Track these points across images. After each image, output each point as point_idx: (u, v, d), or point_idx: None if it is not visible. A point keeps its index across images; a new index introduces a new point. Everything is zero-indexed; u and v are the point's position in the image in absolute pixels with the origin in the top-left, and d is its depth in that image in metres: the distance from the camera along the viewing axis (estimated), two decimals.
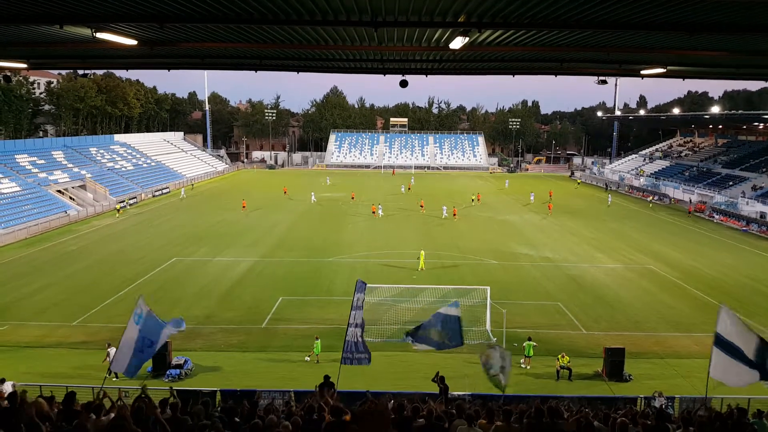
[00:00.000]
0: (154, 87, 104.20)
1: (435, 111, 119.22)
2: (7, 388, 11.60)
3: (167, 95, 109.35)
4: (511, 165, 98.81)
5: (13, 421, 6.22)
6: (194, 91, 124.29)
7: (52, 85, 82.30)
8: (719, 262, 32.55)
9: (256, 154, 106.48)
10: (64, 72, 79.76)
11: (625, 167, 79.87)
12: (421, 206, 48.85)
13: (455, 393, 13.87)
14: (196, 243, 35.29)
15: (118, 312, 21.94)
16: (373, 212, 45.51)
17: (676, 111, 77.54)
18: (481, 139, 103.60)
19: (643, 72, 17.36)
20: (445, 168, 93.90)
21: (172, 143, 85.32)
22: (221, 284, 26.60)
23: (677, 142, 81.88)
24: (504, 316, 19.83)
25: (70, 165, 54.90)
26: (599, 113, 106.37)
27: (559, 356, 17.37)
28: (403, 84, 17.36)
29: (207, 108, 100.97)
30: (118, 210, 46.76)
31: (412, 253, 31.36)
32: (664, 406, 13.55)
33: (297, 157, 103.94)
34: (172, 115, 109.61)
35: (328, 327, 20.30)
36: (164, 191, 60.77)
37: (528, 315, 22.50)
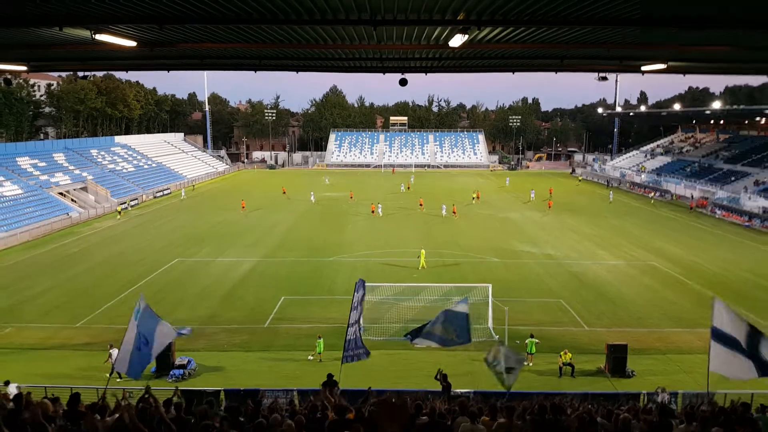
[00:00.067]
0: (154, 88, 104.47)
1: (435, 109, 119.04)
2: (12, 390, 11.63)
3: (167, 96, 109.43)
4: (512, 163, 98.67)
5: (19, 423, 6.25)
6: (194, 92, 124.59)
7: (53, 88, 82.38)
8: (721, 257, 32.49)
9: (257, 155, 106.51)
10: (64, 74, 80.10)
11: (626, 164, 79.71)
12: (421, 205, 48.86)
13: (458, 390, 13.89)
14: (198, 244, 35.35)
15: (121, 313, 21.98)
16: (373, 211, 45.46)
17: (677, 107, 77.43)
18: (481, 137, 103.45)
19: (643, 68, 17.33)
20: (445, 166, 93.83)
21: (172, 144, 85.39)
22: (223, 284, 26.65)
23: (678, 138, 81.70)
24: (506, 313, 19.83)
25: (71, 167, 54.99)
26: (600, 110, 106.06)
27: (562, 353, 17.38)
28: (403, 82, 17.35)
29: (207, 109, 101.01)
30: (120, 212, 46.85)
31: (412, 251, 31.37)
32: (667, 402, 13.55)
33: (297, 156, 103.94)
34: (172, 116, 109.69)
35: (330, 326, 20.32)
36: (165, 192, 60.84)
37: (530, 312, 22.50)
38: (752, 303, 23.63)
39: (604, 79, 19.93)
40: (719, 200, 50.51)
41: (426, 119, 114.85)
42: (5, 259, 32.10)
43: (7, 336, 20.41)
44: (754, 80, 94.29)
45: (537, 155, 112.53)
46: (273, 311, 22.77)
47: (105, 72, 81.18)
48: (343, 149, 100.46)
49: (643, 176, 69.81)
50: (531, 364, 17.77)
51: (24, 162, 50.33)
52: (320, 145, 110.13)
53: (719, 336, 9.21)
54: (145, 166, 68.07)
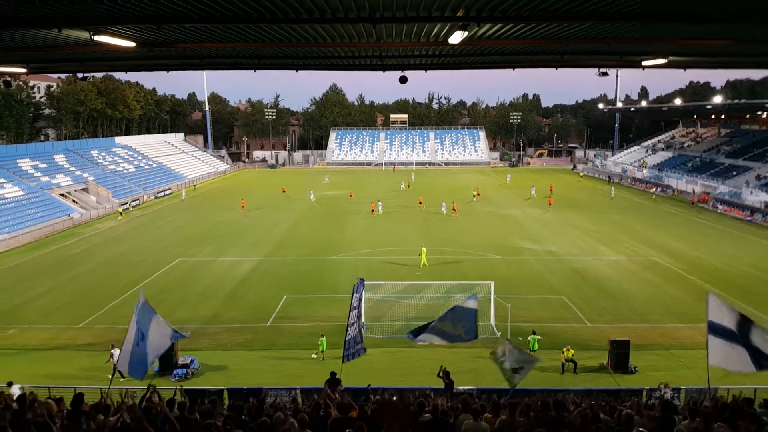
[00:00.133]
0: (154, 89, 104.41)
1: (435, 106, 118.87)
2: (15, 391, 11.68)
3: (167, 96, 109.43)
4: (513, 159, 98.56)
5: (23, 423, 6.27)
6: (194, 92, 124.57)
7: (52, 89, 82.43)
8: (723, 252, 32.43)
9: (257, 154, 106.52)
10: (63, 75, 79.95)
11: (627, 159, 79.53)
12: (420, 203, 48.84)
13: (460, 388, 13.88)
14: (199, 243, 35.39)
15: (123, 313, 22.02)
16: (372, 210, 45.42)
17: (678, 102, 77.09)
18: (482, 134, 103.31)
19: (644, 63, 17.27)
20: (446, 164, 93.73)
21: (173, 144, 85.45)
22: (225, 284, 26.69)
23: (680, 132, 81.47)
24: (508, 310, 19.84)
25: (72, 168, 55.07)
26: (601, 105, 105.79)
27: (564, 349, 17.37)
28: (403, 80, 17.33)
29: (207, 108, 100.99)
30: (121, 212, 46.93)
31: (414, 249, 31.37)
32: (670, 397, 13.54)
33: (298, 155, 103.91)
34: (172, 116, 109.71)
35: (333, 324, 20.33)
36: (166, 192, 60.91)
37: (532, 309, 22.50)
38: (754, 298, 23.58)
39: (605, 74, 19.90)
40: (721, 195, 50.39)
41: (426, 117, 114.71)
42: (7, 261, 32.19)
43: (11, 337, 20.48)
44: (756, 74, 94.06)
45: (538, 152, 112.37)
46: (275, 310, 22.81)
47: (104, 73, 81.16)
48: (343, 148, 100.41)
49: (644, 172, 69.66)
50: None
51: (25, 164, 50.42)
52: (321, 144, 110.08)
53: (716, 329, 9.26)
54: (146, 167, 68.13)
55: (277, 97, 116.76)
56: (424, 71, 20.41)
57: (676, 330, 20.42)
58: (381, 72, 19.23)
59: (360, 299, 13.15)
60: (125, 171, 62.38)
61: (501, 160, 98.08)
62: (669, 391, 14.16)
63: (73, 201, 48.34)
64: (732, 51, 15.87)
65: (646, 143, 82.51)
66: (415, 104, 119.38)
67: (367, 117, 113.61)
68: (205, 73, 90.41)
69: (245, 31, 12.66)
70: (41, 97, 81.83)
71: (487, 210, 47.38)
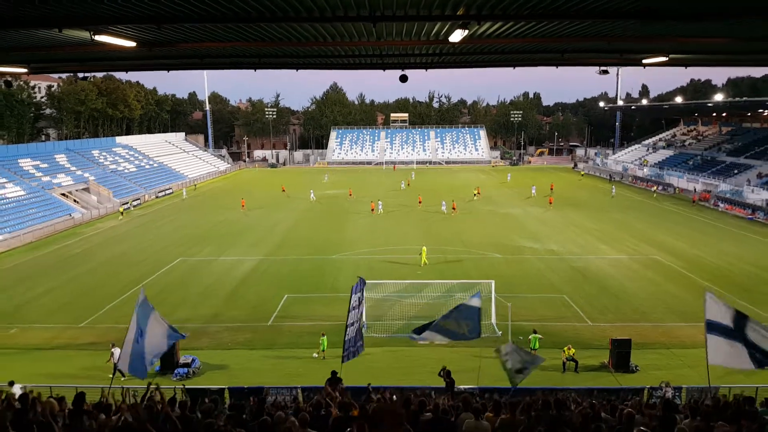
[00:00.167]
0: (154, 88, 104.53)
1: (436, 105, 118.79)
2: (16, 390, 11.70)
3: (167, 96, 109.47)
4: (514, 158, 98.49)
5: (25, 422, 6.29)
6: (194, 92, 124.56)
7: (53, 89, 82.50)
8: (724, 251, 32.39)
9: (258, 153, 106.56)
10: (64, 75, 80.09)
11: (628, 157, 79.44)
12: (419, 202, 48.83)
13: (461, 387, 13.89)
14: (200, 243, 35.43)
15: (124, 313, 22.05)
16: (372, 210, 45.39)
17: (678, 100, 77.05)
18: (482, 133, 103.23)
19: (645, 61, 17.22)
20: (447, 162, 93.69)
21: (173, 144, 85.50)
22: (226, 283, 26.72)
23: (681, 131, 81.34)
24: (509, 309, 19.83)
25: (74, 168, 55.13)
26: (601, 103, 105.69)
27: (565, 348, 17.37)
28: (403, 79, 17.30)
29: (207, 108, 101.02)
30: (122, 212, 46.98)
31: (414, 248, 31.37)
32: (671, 396, 13.54)
33: (298, 155, 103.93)
34: (172, 115, 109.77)
35: (333, 323, 20.33)
36: (167, 192, 60.96)
37: (533, 308, 22.49)
38: (756, 296, 23.56)
39: (605, 72, 19.86)
40: (722, 193, 50.31)
41: (427, 115, 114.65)
42: (9, 261, 32.25)
43: (13, 336, 20.53)
44: (757, 71, 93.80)
45: (539, 150, 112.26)
46: (276, 309, 22.83)
47: (105, 73, 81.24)
48: (344, 147, 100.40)
49: (645, 170, 69.58)
50: None
51: (26, 164, 50.49)
52: (321, 143, 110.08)
53: (714, 327, 9.29)
54: (147, 166, 68.18)
55: (278, 96, 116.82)
56: (424, 70, 20.38)
57: (678, 329, 20.40)
58: (381, 71, 19.20)
59: (360, 300, 13.14)
60: (126, 171, 62.43)
61: (502, 158, 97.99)
62: (670, 390, 14.15)
63: (74, 201, 48.41)
64: (732, 49, 15.82)
65: (647, 141, 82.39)
66: (416, 103, 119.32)
67: (367, 116, 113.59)
68: (205, 72, 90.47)
69: (245, 30, 12.65)
70: (42, 97, 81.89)
71: (488, 209, 47.36)
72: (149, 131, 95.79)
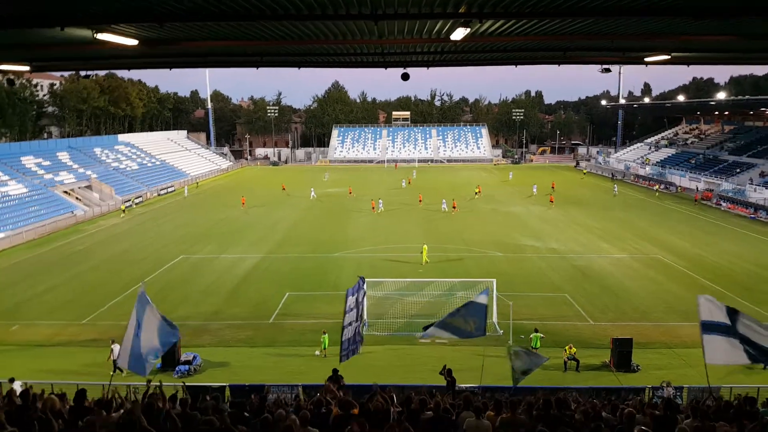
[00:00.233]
0: (156, 86, 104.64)
1: (437, 103, 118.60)
2: (17, 387, 11.74)
3: (169, 94, 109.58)
4: (516, 156, 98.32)
5: (26, 418, 6.31)
6: (196, 90, 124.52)
7: (55, 87, 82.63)
8: (726, 250, 32.30)
9: (260, 151, 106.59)
10: (66, 74, 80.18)
11: (630, 156, 79.25)
12: (420, 200, 48.80)
13: (462, 385, 13.90)
14: (202, 241, 35.48)
15: (126, 310, 22.04)
16: (373, 208, 45.35)
17: (681, 98, 76.80)
18: (484, 131, 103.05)
19: (647, 59, 17.16)
20: (448, 161, 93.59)
21: (175, 142, 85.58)
22: (228, 281, 26.76)
23: (683, 129, 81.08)
24: (510, 308, 19.81)
25: (76, 166, 55.23)
26: (603, 102, 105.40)
27: (567, 347, 17.36)
28: (405, 77, 17.27)
29: (209, 106, 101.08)
30: (124, 210, 47.07)
31: (415, 247, 31.36)
32: (672, 396, 13.53)
33: (300, 153, 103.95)
34: (174, 113, 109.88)
35: (335, 321, 20.28)
36: (169, 190, 61.04)
37: (534, 307, 22.47)
38: (757, 296, 23.50)
39: (608, 71, 19.75)
40: (724, 192, 50.17)
41: (429, 114, 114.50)
42: (11, 258, 32.35)
43: (14, 333, 20.61)
44: (760, 70, 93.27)
45: (541, 148, 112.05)
46: (277, 307, 22.86)
47: (107, 71, 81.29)
48: (345, 145, 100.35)
49: (647, 169, 69.41)
50: None
51: (28, 161, 50.59)
52: (323, 141, 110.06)
53: (709, 327, 9.29)
54: (149, 164, 68.28)
55: (280, 94, 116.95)
56: (426, 68, 20.35)
57: (679, 328, 20.36)
58: (383, 69, 19.18)
59: (357, 300, 13.05)
60: (128, 168, 62.53)
61: (503, 157, 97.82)
62: (671, 390, 14.14)
63: (77, 198, 48.51)
64: (735, 47, 15.75)
65: (649, 140, 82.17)
66: (417, 101, 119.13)
67: (369, 114, 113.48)
68: (207, 70, 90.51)
69: (247, 28, 12.64)
70: (44, 95, 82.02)
71: (489, 207, 47.31)
72: (151, 129, 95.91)
